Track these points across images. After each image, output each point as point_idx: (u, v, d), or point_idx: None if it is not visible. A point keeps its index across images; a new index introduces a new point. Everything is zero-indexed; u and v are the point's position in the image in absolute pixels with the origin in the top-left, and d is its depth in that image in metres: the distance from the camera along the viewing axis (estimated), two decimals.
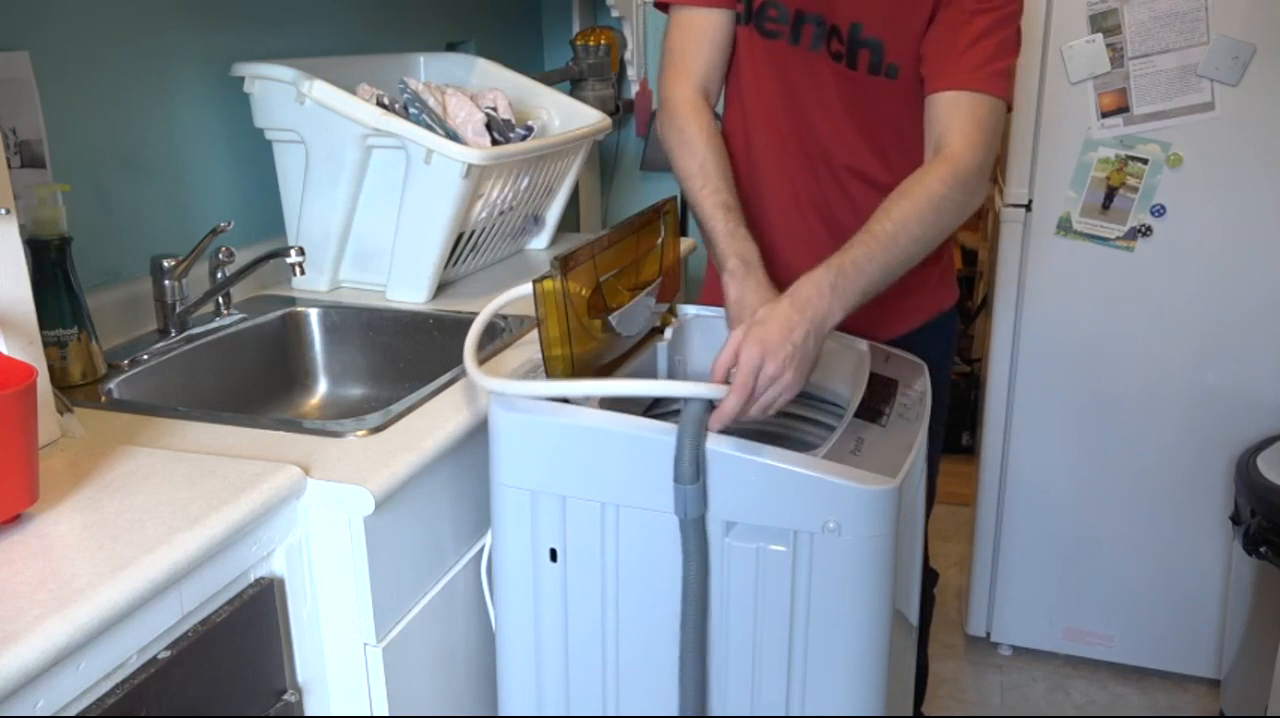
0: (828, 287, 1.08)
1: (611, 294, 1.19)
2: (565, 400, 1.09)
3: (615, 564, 1.08)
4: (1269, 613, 1.78)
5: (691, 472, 1.00)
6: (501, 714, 1.21)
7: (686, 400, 1.02)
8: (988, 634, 2.24)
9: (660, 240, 1.32)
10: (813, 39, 1.30)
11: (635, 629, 1.10)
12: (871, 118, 1.33)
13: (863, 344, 1.29)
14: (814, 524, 0.99)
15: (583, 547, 1.09)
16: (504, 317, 1.50)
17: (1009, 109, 1.28)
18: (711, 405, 1.02)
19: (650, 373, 1.33)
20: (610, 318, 1.19)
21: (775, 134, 1.37)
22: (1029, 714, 2.08)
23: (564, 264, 1.07)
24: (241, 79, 1.56)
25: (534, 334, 1.43)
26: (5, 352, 0.99)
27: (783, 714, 1.07)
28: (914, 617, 1.30)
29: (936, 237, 1.19)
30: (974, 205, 1.22)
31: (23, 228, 1.15)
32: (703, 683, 1.08)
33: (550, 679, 1.16)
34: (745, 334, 1.03)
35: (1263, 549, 1.73)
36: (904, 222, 1.15)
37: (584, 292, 1.13)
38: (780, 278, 1.18)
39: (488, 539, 1.19)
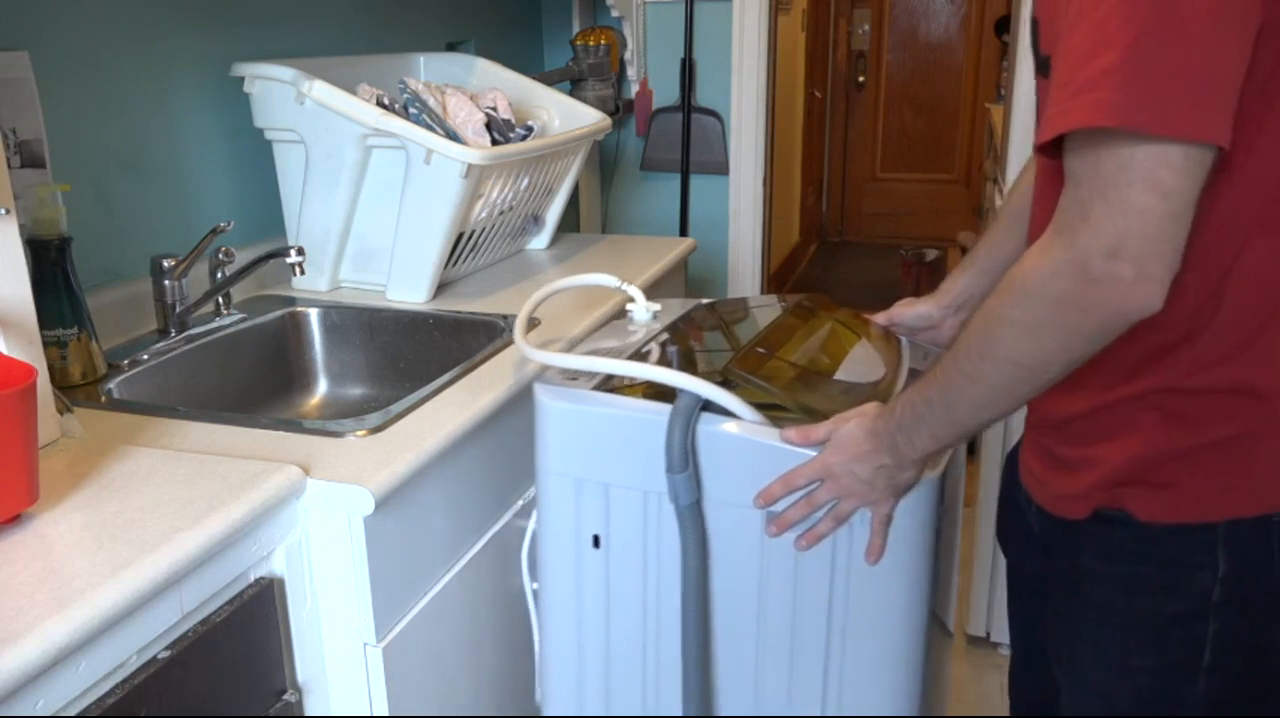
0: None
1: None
2: (613, 390, 1.10)
3: (657, 551, 1.09)
4: None
5: (681, 461, 1.02)
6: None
7: (681, 391, 1.03)
8: (988, 634, 2.24)
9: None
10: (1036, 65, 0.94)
11: (676, 615, 1.10)
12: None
13: (902, 340, 1.29)
14: (856, 514, 1.00)
15: (625, 534, 1.10)
16: (504, 316, 1.50)
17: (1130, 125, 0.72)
18: (705, 402, 1.03)
19: None
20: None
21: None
22: None
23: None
24: (241, 79, 1.56)
25: (533, 334, 1.44)
26: (5, 352, 0.99)
27: (819, 714, 1.07)
28: (951, 623, 1.31)
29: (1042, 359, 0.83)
30: (1093, 301, 0.76)
31: (23, 228, 1.15)
32: (706, 673, 1.09)
33: (591, 660, 1.17)
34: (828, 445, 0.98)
35: None
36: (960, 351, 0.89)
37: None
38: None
39: (531, 523, 1.20)
